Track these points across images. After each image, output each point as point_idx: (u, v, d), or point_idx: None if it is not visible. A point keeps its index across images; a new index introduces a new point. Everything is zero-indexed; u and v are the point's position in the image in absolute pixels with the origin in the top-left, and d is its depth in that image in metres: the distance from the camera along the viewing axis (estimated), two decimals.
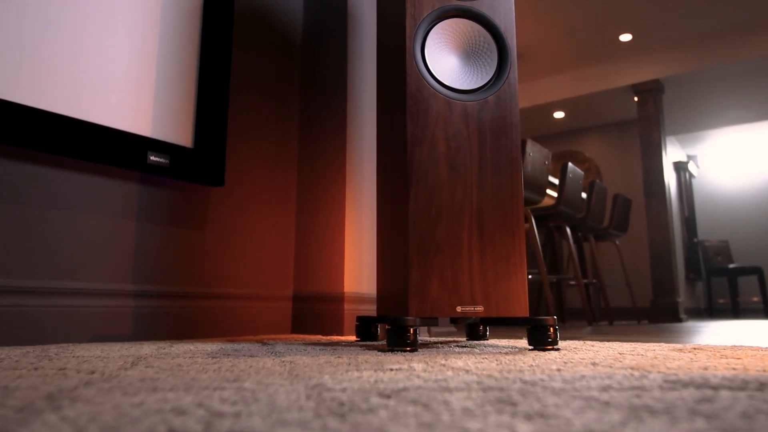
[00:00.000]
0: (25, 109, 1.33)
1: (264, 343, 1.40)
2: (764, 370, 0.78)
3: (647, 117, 5.08)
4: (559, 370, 0.79)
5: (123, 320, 1.54)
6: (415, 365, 0.85)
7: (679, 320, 4.67)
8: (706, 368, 0.80)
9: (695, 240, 6.67)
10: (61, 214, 1.44)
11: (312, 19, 2.20)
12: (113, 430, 0.38)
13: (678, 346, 1.33)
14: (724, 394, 0.55)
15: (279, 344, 1.37)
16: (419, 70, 1.32)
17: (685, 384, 0.62)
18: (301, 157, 2.14)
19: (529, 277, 3.59)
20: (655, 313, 4.82)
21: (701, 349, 1.22)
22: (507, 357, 1.01)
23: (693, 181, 7.32)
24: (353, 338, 1.71)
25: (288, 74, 2.17)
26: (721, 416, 0.43)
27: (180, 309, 1.68)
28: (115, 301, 1.53)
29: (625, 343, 1.44)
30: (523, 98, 5.78)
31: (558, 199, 3.58)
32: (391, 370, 0.79)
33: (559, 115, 6.11)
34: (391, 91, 1.43)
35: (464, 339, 1.66)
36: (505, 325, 1.49)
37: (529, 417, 0.43)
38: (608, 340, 1.64)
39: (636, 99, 5.24)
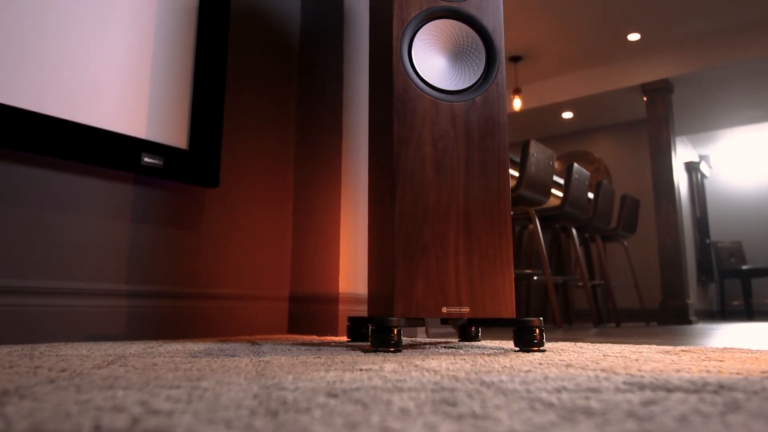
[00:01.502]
0: (21, 112, 1.35)
1: (254, 344, 1.41)
2: (738, 373, 0.77)
3: (656, 117, 5.03)
4: (528, 371, 0.78)
5: (117, 320, 1.55)
6: (386, 366, 0.85)
7: (689, 322, 4.61)
8: (678, 370, 0.79)
9: (707, 241, 6.58)
10: (57, 215, 1.47)
11: (310, 21, 2.21)
12: (39, 425, 0.38)
13: (668, 348, 1.32)
14: (676, 396, 0.54)
15: (267, 344, 1.37)
16: (406, 71, 1.32)
17: (643, 386, 0.61)
18: (298, 157, 2.15)
19: (534, 278, 3.58)
20: (665, 315, 4.77)
21: (690, 351, 1.21)
22: (486, 358, 1.01)
23: (705, 181, 7.23)
24: (345, 339, 1.72)
25: (286, 75, 2.18)
26: (655, 419, 0.43)
27: (175, 309, 1.70)
28: (109, 301, 1.54)
29: (617, 345, 1.42)
30: (530, 99, 5.75)
31: (563, 199, 3.55)
32: (361, 370, 0.79)
33: (567, 115, 6.07)
34: (380, 92, 1.43)
35: (456, 340, 1.66)
36: (491, 326, 1.49)
37: (460, 418, 0.43)
38: (608, 342, 1.63)
39: (645, 99, 5.19)
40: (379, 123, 1.42)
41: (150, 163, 1.59)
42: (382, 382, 0.64)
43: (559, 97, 5.59)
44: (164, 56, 1.69)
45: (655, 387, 0.60)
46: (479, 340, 1.61)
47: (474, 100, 1.36)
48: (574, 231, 3.69)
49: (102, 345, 1.30)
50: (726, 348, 1.31)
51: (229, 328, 1.85)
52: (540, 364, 0.90)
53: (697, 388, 0.60)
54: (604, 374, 0.73)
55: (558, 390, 0.58)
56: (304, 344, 1.39)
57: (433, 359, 0.97)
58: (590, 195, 4.76)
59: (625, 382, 0.64)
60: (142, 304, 1.62)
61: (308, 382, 0.64)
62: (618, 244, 5.82)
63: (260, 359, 0.96)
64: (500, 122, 1.37)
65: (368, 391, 0.57)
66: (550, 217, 3.69)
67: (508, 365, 0.87)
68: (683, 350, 1.23)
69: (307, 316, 1.98)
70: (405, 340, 1.67)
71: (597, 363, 0.91)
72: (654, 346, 1.38)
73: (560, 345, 1.43)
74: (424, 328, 2.11)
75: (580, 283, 4.11)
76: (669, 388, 0.59)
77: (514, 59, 5.30)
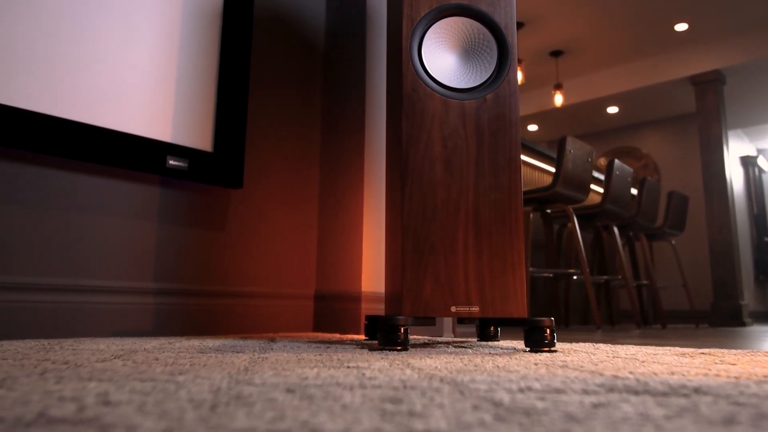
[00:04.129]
0: (52, 119, 1.43)
1: (271, 341, 1.44)
2: (736, 377, 0.74)
3: (706, 110, 4.82)
4: (514, 371, 0.77)
5: (144, 317, 1.62)
6: (376, 364, 0.85)
7: (743, 324, 4.40)
8: (672, 373, 0.77)
9: (766, 239, 6.25)
10: (86, 216, 1.54)
11: (334, 22, 2.24)
12: None
13: (689, 350, 1.27)
14: (636, 399, 0.53)
15: (282, 342, 1.40)
16: (415, 70, 1.32)
17: (613, 388, 0.59)
18: (323, 157, 2.18)
19: (574, 277, 3.50)
20: (716, 316, 4.57)
21: (709, 354, 1.16)
22: (485, 358, 1.00)
23: (763, 176, 6.87)
24: (364, 337, 1.73)
25: (311, 76, 2.22)
26: (589, 421, 0.42)
27: (201, 306, 1.75)
28: (137, 299, 1.61)
29: (635, 347, 1.38)
30: (572, 94, 5.61)
31: (603, 196, 3.46)
32: (347, 367, 0.80)
33: (612, 110, 5.89)
34: (393, 92, 1.44)
35: (475, 340, 1.65)
36: (501, 326, 1.47)
37: (392, 415, 0.44)
38: (644, 344, 1.57)
39: (694, 91, 4.98)
40: (392, 122, 1.43)
41: (175, 165, 1.65)
42: (353, 379, 0.65)
43: (603, 92, 5.43)
44: (189, 60, 1.75)
45: (625, 389, 0.59)
46: (498, 340, 1.59)
47: (485, 98, 1.34)
48: (615, 229, 3.59)
49: (125, 340, 1.36)
50: (752, 351, 1.25)
51: (254, 326, 1.89)
52: (535, 364, 0.89)
53: (668, 391, 0.58)
54: (587, 376, 0.72)
55: (521, 390, 0.58)
56: (319, 342, 1.41)
57: (430, 358, 0.97)
58: (634, 192, 4.61)
59: (599, 384, 0.63)
60: (168, 302, 1.68)
61: (280, 378, 0.66)
62: (666, 242, 5.61)
63: (260, 356, 0.98)
64: (512, 120, 1.35)
65: (329, 388, 0.58)
66: (590, 215, 3.59)
67: (501, 365, 0.86)
68: (702, 353, 1.18)
69: (332, 315, 2.00)
70: (421, 339, 1.67)
71: (595, 365, 0.89)
72: (677, 348, 1.33)
73: (578, 346, 1.40)
74: (451, 327, 2.10)
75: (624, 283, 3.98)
76: (638, 391, 0.58)
77: (555, 54, 5.18)
